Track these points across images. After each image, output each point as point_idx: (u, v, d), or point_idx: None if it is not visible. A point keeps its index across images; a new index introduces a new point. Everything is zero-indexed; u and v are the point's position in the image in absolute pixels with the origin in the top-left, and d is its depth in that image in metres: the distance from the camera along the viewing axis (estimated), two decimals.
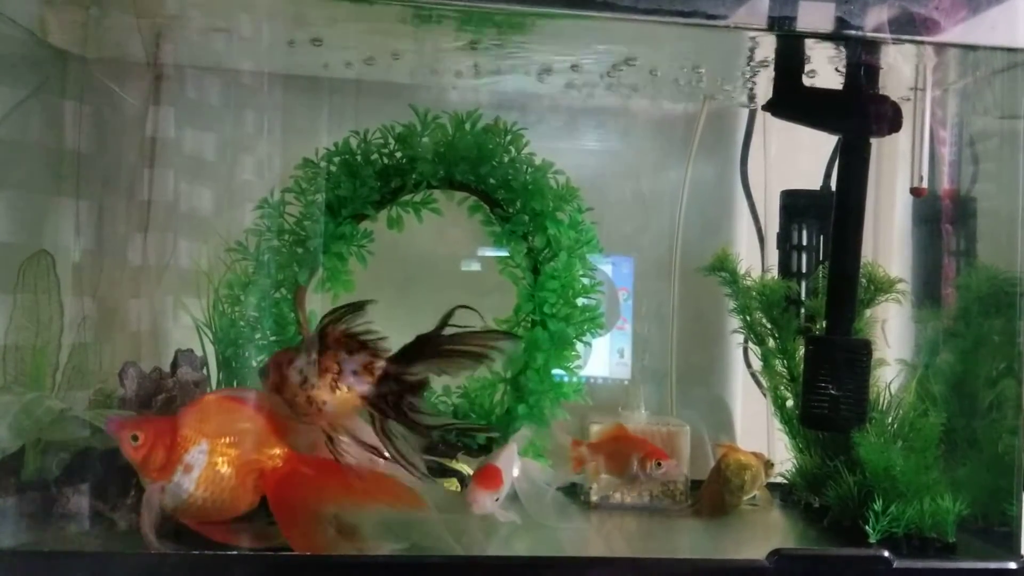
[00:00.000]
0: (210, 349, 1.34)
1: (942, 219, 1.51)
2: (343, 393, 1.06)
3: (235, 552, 1.03)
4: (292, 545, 1.00)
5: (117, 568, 1.01)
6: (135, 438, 1.03)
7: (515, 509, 1.23)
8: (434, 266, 1.61)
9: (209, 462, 1.02)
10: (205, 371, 1.32)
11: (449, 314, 1.04)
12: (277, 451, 1.04)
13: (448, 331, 1.05)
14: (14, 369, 1.25)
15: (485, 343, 1.05)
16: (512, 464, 1.23)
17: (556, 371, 1.42)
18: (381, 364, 1.06)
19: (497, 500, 1.17)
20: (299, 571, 1.01)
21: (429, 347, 1.05)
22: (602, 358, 1.65)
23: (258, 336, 1.36)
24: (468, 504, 1.14)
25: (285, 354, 1.09)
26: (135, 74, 1.45)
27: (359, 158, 1.42)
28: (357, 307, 1.05)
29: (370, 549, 1.00)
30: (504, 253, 1.45)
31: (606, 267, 1.59)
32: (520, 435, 1.31)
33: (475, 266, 1.62)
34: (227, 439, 1.03)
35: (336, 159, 1.43)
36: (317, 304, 1.35)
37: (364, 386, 1.06)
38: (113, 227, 1.45)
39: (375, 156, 1.43)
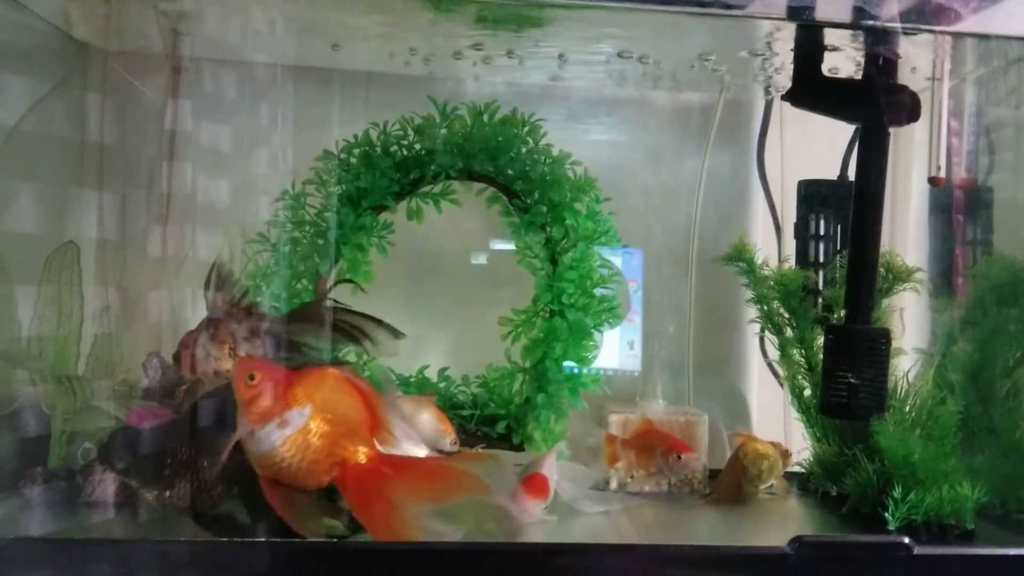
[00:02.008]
0: None
1: (959, 209, 1.51)
2: None
3: (257, 539, 1.05)
4: (371, 533, 1.01)
5: (143, 555, 1.01)
6: (252, 377, 1.02)
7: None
8: (451, 257, 1.62)
9: (304, 427, 1.01)
10: None
11: (331, 288, 1.15)
12: (364, 448, 1.03)
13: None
14: (38, 359, 1.26)
15: (362, 328, 1.12)
16: (554, 471, 1.25)
17: (567, 363, 1.43)
18: (265, 325, 1.15)
19: (544, 508, 1.21)
20: (320, 558, 1.02)
21: (308, 313, 1.16)
22: (612, 350, 1.66)
23: None
24: (519, 512, 1.17)
25: (190, 336, 1.18)
26: (154, 67, 1.46)
27: (379, 150, 1.43)
28: (228, 279, 1.18)
29: (440, 535, 1.01)
30: (521, 244, 1.46)
31: (615, 259, 1.59)
32: (558, 447, 1.34)
33: (489, 258, 1.63)
34: (329, 415, 1.03)
35: (356, 151, 1.44)
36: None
37: (256, 349, 1.15)
38: (135, 218, 1.46)
39: (394, 148, 1.44)
